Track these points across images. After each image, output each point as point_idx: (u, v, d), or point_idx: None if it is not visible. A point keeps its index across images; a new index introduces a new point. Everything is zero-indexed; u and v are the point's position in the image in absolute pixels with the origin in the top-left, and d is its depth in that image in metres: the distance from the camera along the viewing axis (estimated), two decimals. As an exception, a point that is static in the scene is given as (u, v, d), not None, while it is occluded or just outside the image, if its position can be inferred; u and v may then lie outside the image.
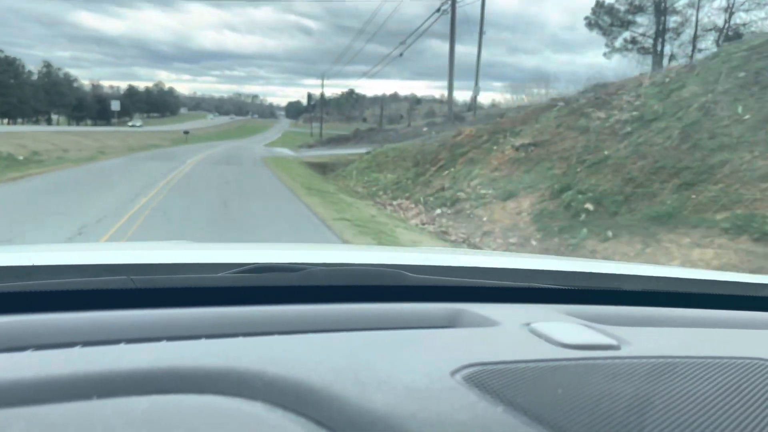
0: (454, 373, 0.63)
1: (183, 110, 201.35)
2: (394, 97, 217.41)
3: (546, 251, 10.10)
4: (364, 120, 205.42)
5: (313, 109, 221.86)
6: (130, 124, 67.16)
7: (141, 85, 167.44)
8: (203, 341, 0.74)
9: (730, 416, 0.57)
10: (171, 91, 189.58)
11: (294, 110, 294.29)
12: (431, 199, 15.81)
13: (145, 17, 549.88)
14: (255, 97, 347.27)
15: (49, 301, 0.86)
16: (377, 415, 0.54)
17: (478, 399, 0.58)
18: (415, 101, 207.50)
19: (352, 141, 44.68)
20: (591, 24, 36.98)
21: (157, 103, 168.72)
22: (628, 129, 13.06)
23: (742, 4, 30.97)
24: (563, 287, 1.18)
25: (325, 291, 1.02)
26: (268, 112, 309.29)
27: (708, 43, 32.52)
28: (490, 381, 0.62)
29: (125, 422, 0.52)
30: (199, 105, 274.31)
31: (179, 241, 2.03)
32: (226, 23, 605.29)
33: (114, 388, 0.58)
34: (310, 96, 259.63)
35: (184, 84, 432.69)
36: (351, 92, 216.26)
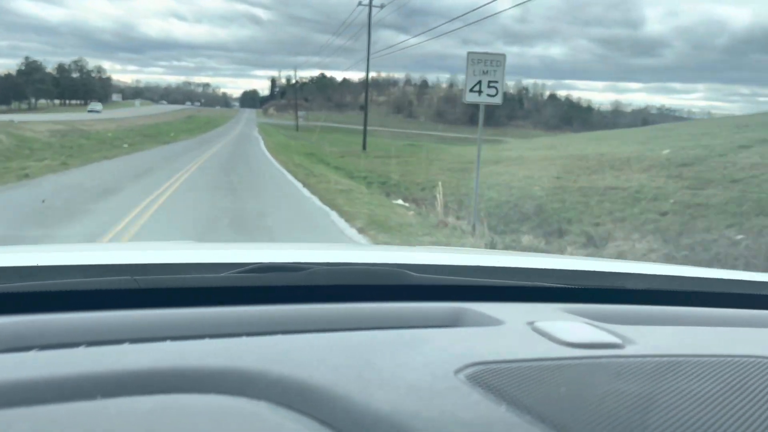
0: (457, 372, 0.63)
1: (116, 97, 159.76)
2: (389, 82, 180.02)
3: None
4: (361, 108, 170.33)
5: (282, 96, 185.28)
6: None
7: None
8: (207, 341, 0.73)
9: (734, 414, 0.56)
10: (99, 73, 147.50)
11: (250, 100, 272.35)
12: None
13: (86, 4, 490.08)
14: (206, 86, 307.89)
15: (52, 302, 0.85)
16: (380, 414, 0.54)
17: (482, 398, 0.58)
18: (422, 86, 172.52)
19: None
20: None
21: (77, 87, 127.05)
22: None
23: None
24: (567, 286, 1.17)
25: (328, 290, 1.01)
26: (222, 101, 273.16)
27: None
28: (494, 380, 0.61)
29: (129, 422, 0.52)
30: (142, 93, 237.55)
31: (182, 241, 2.05)
32: (172, 11, 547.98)
33: (118, 388, 0.58)
34: (273, 81, 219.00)
35: (130, 75, 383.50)
36: (322, 77, 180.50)
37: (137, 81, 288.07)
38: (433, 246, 6.55)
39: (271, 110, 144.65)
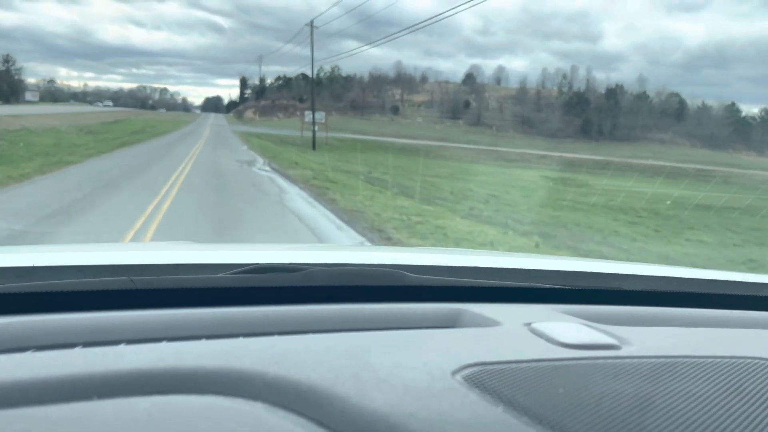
0: (454, 372, 0.63)
1: (30, 96, 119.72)
2: (413, 77, 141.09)
3: None
4: (396, 111, 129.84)
5: (261, 96, 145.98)
6: None
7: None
8: (204, 342, 0.73)
9: (731, 416, 0.56)
10: (8, 63, 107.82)
11: (213, 106, 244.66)
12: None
13: (40, 8, 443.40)
14: (164, 90, 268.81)
15: (49, 302, 0.85)
16: (378, 415, 0.53)
17: (479, 399, 0.57)
18: (465, 81, 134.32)
19: None
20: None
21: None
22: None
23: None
24: (564, 287, 1.17)
25: (325, 291, 1.01)
26: (182, 107, 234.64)
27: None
28: (491, 381, 0.61)
29: (126, 423, 0.51)
30: (85, 96, 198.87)
31: (180, 241, 2.04)
32: (129, 17, 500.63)
33: (114, 388, 0.57)
34: (244, 81, 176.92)
35: (86, 82, 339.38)
36: (303, 76, 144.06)
37: (85, 85, 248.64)
38: (430, 247, 6.59)
39: (250, 113, 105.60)
